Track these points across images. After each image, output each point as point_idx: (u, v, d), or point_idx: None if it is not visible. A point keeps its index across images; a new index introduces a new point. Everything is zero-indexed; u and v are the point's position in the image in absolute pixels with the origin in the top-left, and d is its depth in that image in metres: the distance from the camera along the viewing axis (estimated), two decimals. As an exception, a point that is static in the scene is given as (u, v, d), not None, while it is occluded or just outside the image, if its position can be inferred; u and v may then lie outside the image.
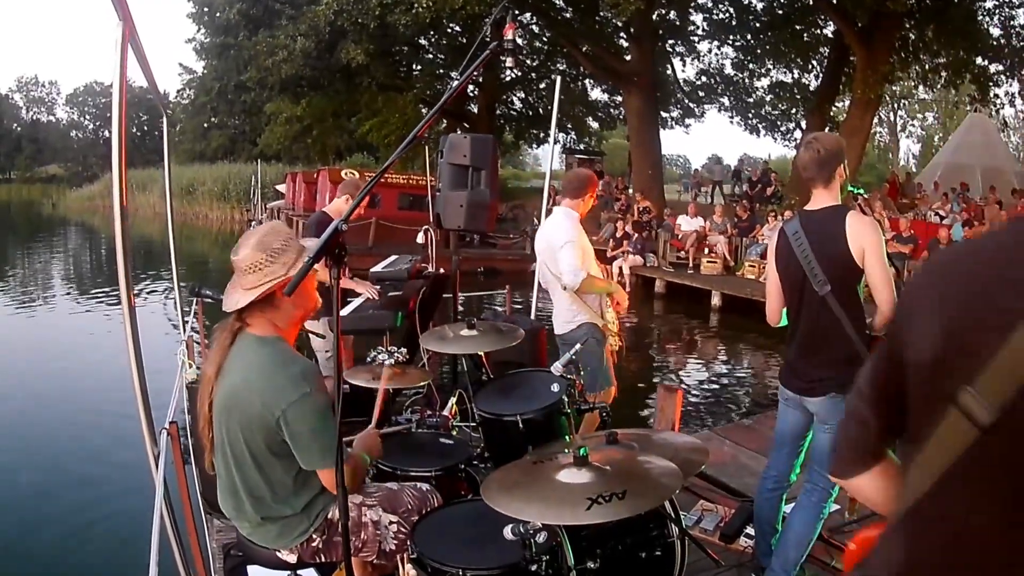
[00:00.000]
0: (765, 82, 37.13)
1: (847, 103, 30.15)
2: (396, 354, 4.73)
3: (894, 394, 1.40)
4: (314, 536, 3.16)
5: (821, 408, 4.03)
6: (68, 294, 21.24)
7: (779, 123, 38.41)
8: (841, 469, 1.61)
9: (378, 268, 7.16)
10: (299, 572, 3.26)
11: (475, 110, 42.47)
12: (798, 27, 31.48)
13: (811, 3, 28.45)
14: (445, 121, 38.84)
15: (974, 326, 1.23)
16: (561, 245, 5.46)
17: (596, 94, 44.08)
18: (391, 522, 3.31)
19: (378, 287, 6.81)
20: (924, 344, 1.30)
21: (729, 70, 37.90)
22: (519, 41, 2.91)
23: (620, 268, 21.27)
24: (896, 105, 57.53)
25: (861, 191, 4.59)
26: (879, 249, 3.73)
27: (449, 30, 37.86)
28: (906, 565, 1.34)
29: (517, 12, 29.20)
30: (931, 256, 1.57)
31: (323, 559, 3.23)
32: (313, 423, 2.91)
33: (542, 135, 45.01)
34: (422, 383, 5.11)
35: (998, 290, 1.23)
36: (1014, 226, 1.33)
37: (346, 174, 22.28)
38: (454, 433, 4.70)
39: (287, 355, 3.01)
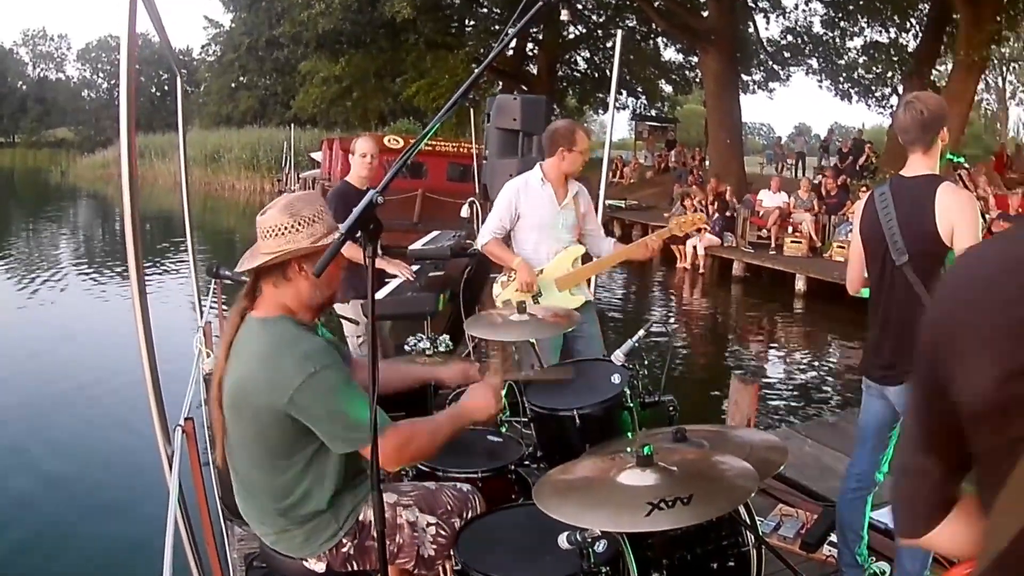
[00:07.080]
0: (858, 42, 36.53)
1: (949, 66, 29.60)
2: (438, 341, 4.73)
3: (952, 433, 1.35)
4: (344, 540, 3.12)
5: (901, 400, 3.97)
6: (76, 274, 21.22)
7: (873, 88, 37.72)
8: (910, 529, 1.56)
9: (418, 245, 7.15)
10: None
11: (534, 71, 42.42)
12: (895, -20, 30.99)
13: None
14: (501, 83, 38.78)
15: None
16: None
17: (669, 54, 43.91)
18: (429, 524, 3.26)
19: (416, 267, 6.78)
20: (980, 385, 1.24)
21: (818, 28, 37.22)
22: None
23: (694, 248, 21.13)
24: (1005, 69, 56.41)
25: (963, 160, 4.54)
26: (973, 227, 3.69)
27: (506, -20, 37.80)
28: None
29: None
30: (962, 264, 1.50)
31: (355, 566, 3.19)
32: (328, 403, 2.86)
33: (609, 99, 44.56)
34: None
35: None
36: None
37: (389, 141, 22.09)
38: (502, 430, 4.69)
39: (290, 335, 2.95)
